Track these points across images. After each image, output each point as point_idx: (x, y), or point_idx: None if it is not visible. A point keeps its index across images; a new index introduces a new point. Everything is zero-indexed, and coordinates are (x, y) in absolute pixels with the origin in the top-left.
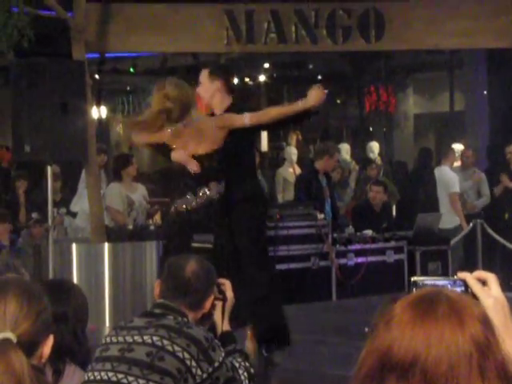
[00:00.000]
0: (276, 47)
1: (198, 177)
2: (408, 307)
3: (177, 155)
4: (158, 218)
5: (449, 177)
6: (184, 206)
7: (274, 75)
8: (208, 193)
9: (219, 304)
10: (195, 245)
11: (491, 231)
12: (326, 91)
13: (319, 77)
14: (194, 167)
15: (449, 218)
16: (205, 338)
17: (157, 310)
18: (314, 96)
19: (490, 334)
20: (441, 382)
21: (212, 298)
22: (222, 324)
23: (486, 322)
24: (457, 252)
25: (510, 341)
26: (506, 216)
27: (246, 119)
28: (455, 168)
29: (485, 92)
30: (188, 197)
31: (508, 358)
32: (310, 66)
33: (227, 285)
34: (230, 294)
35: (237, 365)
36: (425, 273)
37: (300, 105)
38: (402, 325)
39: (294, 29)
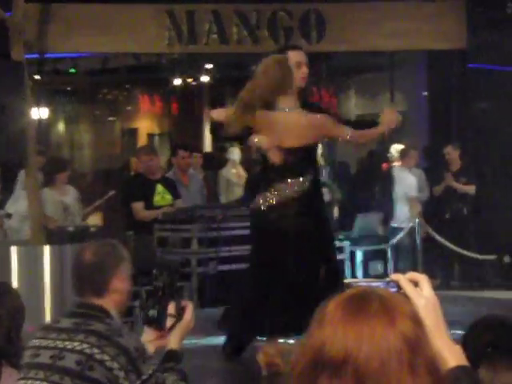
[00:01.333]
0: (218, 48)
1: (278, 170)
2: (340, 305)
3: (260, 139)
4: (96, 219)
5: (410, 180)
6: (261, 202)
7: (217, 76)
8: (286, 190)
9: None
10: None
11: (431, 231)
12: (397, 114)
13: None
14: (275, 158)
15: (404, 217)
16: (135, 349)
17: (79, 310)
18: (388, 120)
19: (419, 331)
20: (372, 379)
21: (121, 277)
22: (173, 341)
23: (416, 319)
24: (402, 251)
25: (441, 340)
26: (447, 215)
27: (349, 134)
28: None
29: (425, 93)
30: (267, 194)
31: (437, 354)
32: (253, 67)
33: (189, 307)
34: (188, 316)
35: (168, 382)
36: (366, 272)
37: (380, 130)
38: (334, 323)
39: (235, 29)
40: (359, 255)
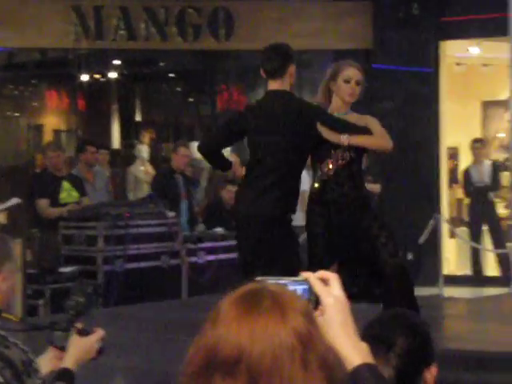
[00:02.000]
0: (126, 44)
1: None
2: (233, 304)
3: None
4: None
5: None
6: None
7: (125, 72)
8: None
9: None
10: None
11: None
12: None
13: (171, 75)
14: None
15: (296, 216)
16: (21, 362)
17: None
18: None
19: (311, 326)
20: (265, 376)
21: (3, 275)
22: (68, 361)
23: (308, 315)
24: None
25: (348, 338)
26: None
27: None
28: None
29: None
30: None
31: (330, 349)
32: (162, 64)
33: (97, 332)
34: (92, 338)
35: None
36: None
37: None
38: (227, 321)
39: (143, 26)
40: None
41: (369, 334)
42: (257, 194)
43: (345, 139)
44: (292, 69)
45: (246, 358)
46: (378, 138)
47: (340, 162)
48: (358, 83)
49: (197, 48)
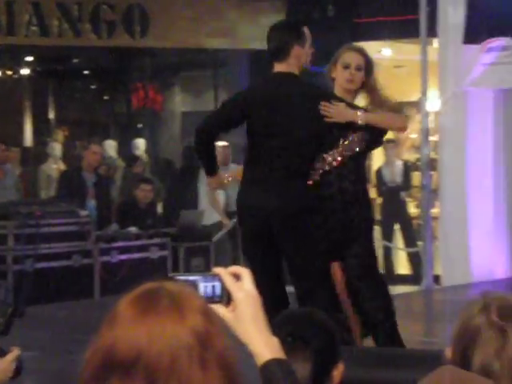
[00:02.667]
0: (38, 40)
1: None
2: (130, 304)
3: None
4: None
5: None
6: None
7: (38, 69)
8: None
9: None
10: None
11: None
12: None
13: (85, 72)
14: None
15: (209, 214)
16: None
17: None
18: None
19: (210, 325)
20: (163, 377)
21: None
22: None
23: (206, 313)
24: (224, 247)
25: (259, 334)
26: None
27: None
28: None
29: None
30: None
31: (229, 347)
32: (75, 61)
33: (13, 353)
34: (7, 358)
35: None
36: (188, 268)
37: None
38: (124, 322)
39: (56, 22)
40: (181, 251)
41: (284, 331)
42: (268, 187)
43: (362, 116)
44: (297, 49)
45: (144, 359)
46: (395, 116)
47: (347, 153)
48: (358, 68)
49: (111, 45)
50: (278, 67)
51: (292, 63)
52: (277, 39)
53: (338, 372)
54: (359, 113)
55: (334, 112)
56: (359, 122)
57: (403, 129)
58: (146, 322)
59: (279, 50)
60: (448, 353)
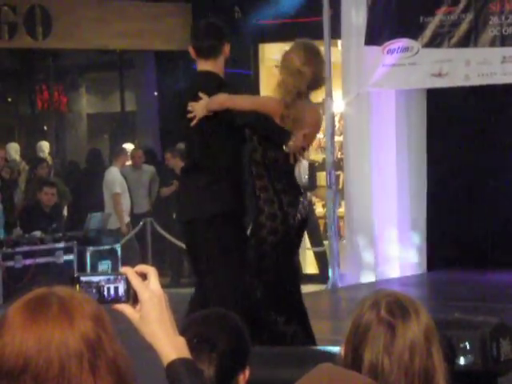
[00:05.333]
0: None
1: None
2: (19, 310)
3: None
4: None
5: (112, 178)
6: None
7: None
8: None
9: None
10: None
11: (160, 229)
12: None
13: None
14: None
15: (114, 218)
16: None
17: None
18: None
19: (101, 330)
20: None
21: None
22: None
23: (97, 319)
24: (132, 250)
25: (165, 334)
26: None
27: None
28: (127, 167)
29: (155, 93)
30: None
31: (120, 353)
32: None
33: None
34: None
35: None
36: (95, 272)
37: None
38: (12, 330)
39: None
40: (88, 255)
41: (191, 332)
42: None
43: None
44: (227, 48)
45: (32, 367)
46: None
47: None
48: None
49: (13, 46)
50: (204, 65)
51: (219, 62)
52: (210, 37)
53: (243, 376)
54: (210, 99)
55: (195, 111)
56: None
57: (276, 111)
58: (34, 329)
59: (211, 48)
60: (342, 351)
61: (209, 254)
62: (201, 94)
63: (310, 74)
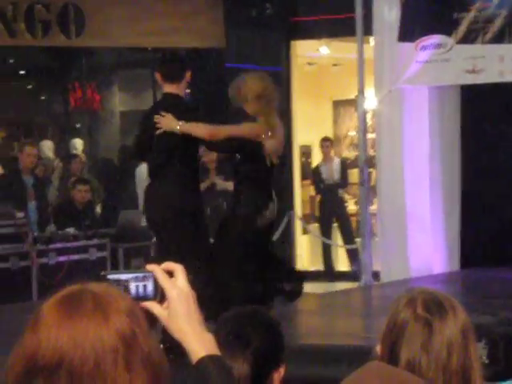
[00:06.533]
0: None
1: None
2: (54, 307)
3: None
4: None
5: (144, 175)
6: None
7: None
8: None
9: None
10: None
11: None
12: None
13: (21, 72)
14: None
15: None
16: None
17: None
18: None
19: (136, 326)
20: (87, 381)
21: None
22: None
23: (132, 314)
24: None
25: (193, 331)
26: (208, 211)
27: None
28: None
29: (188, 90)
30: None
31: (155, 348)
32: (11, 61)
33: None
34: None
35: None
36: (128, 269)
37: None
38: (47, 326)
39: None
40: (121, 252)
41: (226, 329)
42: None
43: (181, 125)
44: (188, 74)
45: (67, 363)
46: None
47: None
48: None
49: (46, 45)
50: (169, 88)
51: (182, 86)
52: (175, 65)
53: (278, 375)
54: (180, 123)
55: (162, 122)
56: (177, 130)
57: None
58: (69, 326)
59: (176, 74)
60: (378, 349)
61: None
62: (163, 113)
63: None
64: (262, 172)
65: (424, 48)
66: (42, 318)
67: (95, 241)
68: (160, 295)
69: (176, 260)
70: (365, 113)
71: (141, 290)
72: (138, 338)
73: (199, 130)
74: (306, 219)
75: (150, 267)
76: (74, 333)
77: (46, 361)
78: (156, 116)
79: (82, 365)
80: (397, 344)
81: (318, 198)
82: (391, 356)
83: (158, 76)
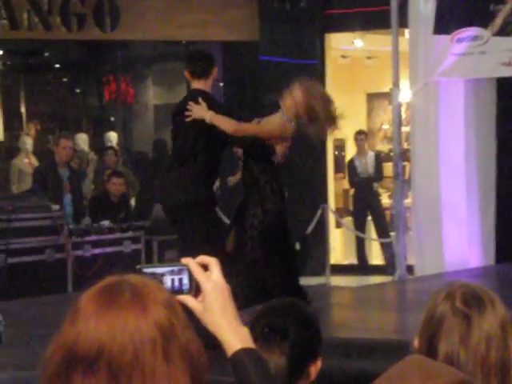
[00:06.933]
0: (8, 34)
1: None
2: (92, 298)
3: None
4: None
5: None
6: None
7: (8, 63)
8: None
9: None
10: None
11: (226, 218)
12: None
13: (56, 65)
14: None
15: None
16: None
17: None
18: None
19: (174, 318)
20: (126, 372)
21: None
22: None
23: (170, 306)
24: None
25: (229, 324)
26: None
27: None
28: None
29: (221, 83)
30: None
31: (193, 339)
32: (46, 54)
33: None
34: None
35: None
36: (162, 261)
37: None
38: (86, 317)
39: (26, 15)
40: (155, 245)
41: (262, 322)
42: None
43: (211, 115)
44: (215, 71)
45: (106, 354)
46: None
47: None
48: None
49: (81, 38)
50: (197, 84)
51: (209, 82)
52: (203, 62)
53: (315, 368)
54: (211, 112)
55: (194, 110)
56: (207, 118)
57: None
58: (107, 317)
59: (203, 70)
60: (415, 342)
61: (188, 232)
62: (192, 103)
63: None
64: (274, 171)
65: (460, 40)
66: (80, 310)
67: (130, 233)
68: (195, 289)
69: (191, 250)
70: (399, 106)
71: (176, 283)
72: (176, 329)
73: (227, 123)
74: (340, 213)
75: (185, 261)
76: (113, 324)
77: (85, 352)
78: (190, 103)
79: (120, 356)
80: (435, 337)
81: (352, 191)
82: (429, 349)
83: (186, 73)
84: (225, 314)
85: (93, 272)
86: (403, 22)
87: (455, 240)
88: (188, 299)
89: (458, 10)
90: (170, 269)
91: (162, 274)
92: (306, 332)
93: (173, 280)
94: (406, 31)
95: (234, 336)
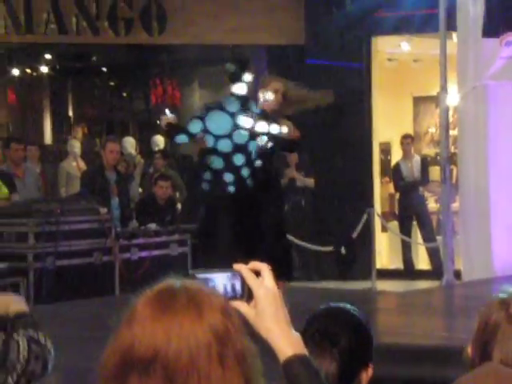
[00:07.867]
0: (57, 38)
1: None
2: (148, 302)
3: None
4: None
5: None
6: None
7: (57, 67)
8: None
9: None
10: None
11: None
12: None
13: (104, 69)
14: None
15: None
16: None
17: None
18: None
19: (229, 323)
20: (182, 375)
21: None
22: None
23: (225, 311)
24: None
25: (281, 331)
26: (287, 207)
27: None
28: None
29: None
30: None
31: (247, 344)
32: (94, 58)
33: None
34: None
35: None
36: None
37: None
38: (142, 321)
39: (74, 20)
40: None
41: (314, 327)
42: None
43: None
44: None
45: (162, 357)
46: None
47: None
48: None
49: (129, 42)
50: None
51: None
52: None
53: (366, 375)
54: None
55: None
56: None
57: None
58: (163, 321)
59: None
60: (469, 350)
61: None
62: None
63: None
64: None
65: (509, 44)
66: (136, 313)
67: (176, 236)
68: (247, 294)
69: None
70: (447, 109)
71: (229, 289)
72: (231, 334)
73: None
74: (386, 217)
75: (237, 267)
76: (169, 328)
77: (141, 355)
78: None
79: (176, 359)
80: (489, 345)
81: (397, 195)
82: (483, 357)
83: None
84: (277, 319)
85: (139, 275)
86: (451, 25)
87: (504, 245)
88: (241, 305)
89: (507, 13)
90: (222, 274)
91: (215, 280)
92: (357, 338)
93: (225, 286)
94: (454, 34)
95: (286, 342)
